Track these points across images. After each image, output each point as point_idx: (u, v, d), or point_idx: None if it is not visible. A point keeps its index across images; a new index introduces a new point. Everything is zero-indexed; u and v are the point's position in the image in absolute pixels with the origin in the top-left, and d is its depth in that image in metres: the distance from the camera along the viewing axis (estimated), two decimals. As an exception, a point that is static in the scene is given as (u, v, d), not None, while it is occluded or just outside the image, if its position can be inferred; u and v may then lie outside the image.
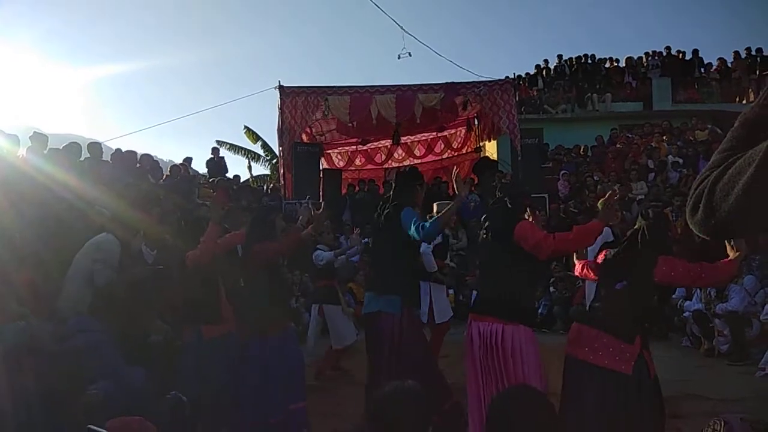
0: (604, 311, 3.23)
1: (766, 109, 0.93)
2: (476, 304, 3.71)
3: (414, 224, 3.68)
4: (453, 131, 14.91)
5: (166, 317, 4.92)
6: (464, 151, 15.05)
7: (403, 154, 15.32)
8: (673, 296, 7.40)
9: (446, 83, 11.94)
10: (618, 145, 13.41)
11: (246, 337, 3.97)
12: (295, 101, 11.82)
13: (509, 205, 3.64)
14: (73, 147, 7.59)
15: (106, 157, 8.74)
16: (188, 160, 11.03)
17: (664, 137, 13.04)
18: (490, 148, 14.18)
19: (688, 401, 4.27)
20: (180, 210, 7.27)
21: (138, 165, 8.63)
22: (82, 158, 7.81)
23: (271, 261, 4.12)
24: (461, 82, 12.10)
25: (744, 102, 15.46)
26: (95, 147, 8.32)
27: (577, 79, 17.00)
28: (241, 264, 4.25)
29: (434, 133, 14.86)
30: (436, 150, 15.34)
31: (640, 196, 10.72)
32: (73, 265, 4.39)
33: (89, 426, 1.46)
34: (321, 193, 12.35)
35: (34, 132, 7.25)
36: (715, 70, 16.68)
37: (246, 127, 18.15)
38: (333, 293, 5.94)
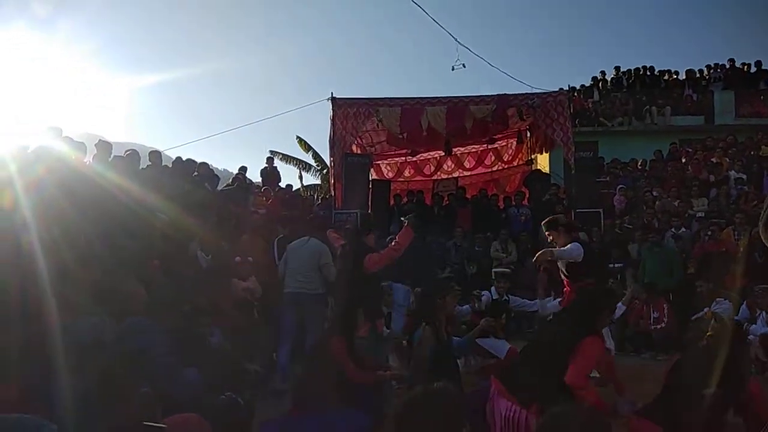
0: (686, 417, 2.99)
1: None
2: (506, 376, 3.39)
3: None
4: (504, 143, 14.72)
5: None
6: (515, 163, 14.83)
7: (453, 165, 15.23)
8: (736, 318, 7.06)
9: (498, 95, 11.81)
10: (678, 160, 12.95)
11: None
12: (347, 112, 11.94)
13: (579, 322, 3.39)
14: (134, 155, 7.91)
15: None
16: (243, 169, 11.31)
17: (729, 152, 12.50)
18: (542, 161, 13.94)
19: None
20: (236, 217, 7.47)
21: (195, 173, 8.91)
22: (143, 166, 8.13)
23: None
24: (514, 94, 11.95)
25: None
26: (156, 155, 8.66)
27: (635, 91, 16.57)
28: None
29: (485, 145, 14.69)
30: (486, 162, 15.17)
31: (700, 213, 10.30)
32: (304, 254, 5.92)
33: (144, 423, 1.49)
34: (369, 204, 12.42)
35: (99, 140, 7.59)
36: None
37: (298, 137, 18.54)
38: None
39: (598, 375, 4.36)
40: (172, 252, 5.29)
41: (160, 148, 9.30)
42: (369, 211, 11.98)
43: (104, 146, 7.56)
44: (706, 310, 7.18)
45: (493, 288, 6.45)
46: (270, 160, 13.24)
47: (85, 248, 4.66)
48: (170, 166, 9.02)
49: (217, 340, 5.04)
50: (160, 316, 3.88)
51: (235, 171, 11.34)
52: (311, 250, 5.93)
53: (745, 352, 3.54)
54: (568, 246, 5.28)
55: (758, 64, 16.24)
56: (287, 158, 18.36)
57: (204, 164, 9.31)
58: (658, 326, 7.47)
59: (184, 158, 9.33)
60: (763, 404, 3.07)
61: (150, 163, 8.52)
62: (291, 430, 3.75)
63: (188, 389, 3.13)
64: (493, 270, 6.95)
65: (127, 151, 7.96)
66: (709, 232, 9.23)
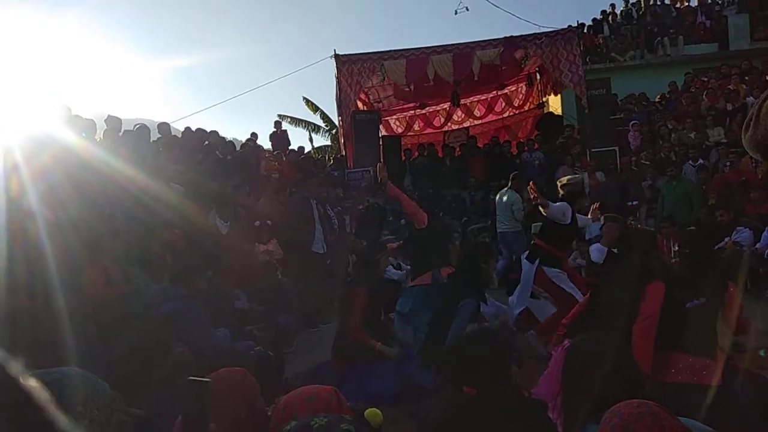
0: (680, 332, 3.05)
1: None
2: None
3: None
4: (513, 88, 14.47)
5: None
6: (526, 108, 14.61)
7: (463, 115, 15.04)
8: (757, 246, 7.01)
9: (505, 37, 11.56)
10: (693, 90, 12.63)
11: None
12: (351, 69, 11.80)
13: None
14: (144, 129, 7.93)
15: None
16: (254, 136, 11.27)
17: (746, 78, 12.14)
18: (554, 103, 13.70)
19: (776, 352, 4.06)
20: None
21: (206, 142, 8.92)
22: (154, 139, 8.15)
23: None
24: (521, 35, 11.68)
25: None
26: (165, 127, 8.66)
27: (646, 22, 16.07)
28: None
29: (494, 92, 14.47)
30: (496, 109, 14.96)
31: (723, 140, 10.06)
32: (501, 202, 8.34)
33: (190, 377, 1.54)
34: (381, 160, 12.38)
35: (109, 115, 7.59)
36: (801, 1, 15.30)
37: (305, 98, 18.35)
38: None
39: None
40: (190, 221, 5.34)
41: (168, 120, 9.29)
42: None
43: (114, 122, 7.57)
44: (726, 239, 7.14)
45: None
46: (278, 124, 13.16)
47: (90, 235, 4.68)
48: (180, 137, 9.03)
49: (243, 303, 5.18)
50: (185, 282, 3.95)
51: (245, 139, 11.32)
52: (507, 199, 8.21)
53: (720, 260, 3.51)
54: (559, 204, 5.19)
55: (774, -17, 15.58)
56: (296, 121, 18.23)
57: (214, 132, 9.30)
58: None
59: (193, 129, 9.32)
60: (732, 309, 3.09)
61: (160, 135, 8.53)
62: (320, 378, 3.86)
63: (220, 348, 3.23)
64: (533, 224, 6.90)
65: (136, 125, 7.97)
66: (728, 162, 9.08)
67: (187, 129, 9.24)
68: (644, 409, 1.36)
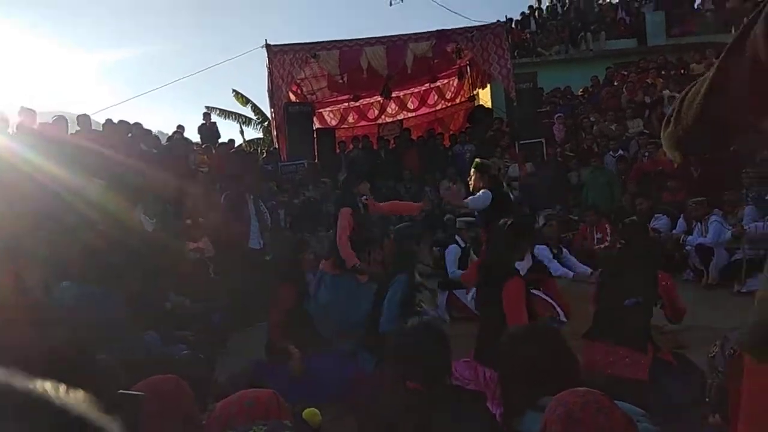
0: (615, 327, 3.20)
1: (744, 35, 0.96)
2: (478, 352, 3.28)
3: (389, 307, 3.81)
4: (446, 81, 14.67)
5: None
6: (458, 100, 14.84)
7: (396, 108, 15.11)
8: (674, 232, 7.43)
9: (437, 30, 11.68)
10: (614, 84, 13.23)
11: None
12: (283, 59, 11.58)
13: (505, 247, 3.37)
14: (62, 120, 7.48)
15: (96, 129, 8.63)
16: (181, 128, 10.86)
17: (662, 72, 12.84)
18: (485, 96, 13.99)
19: (692, 332, 4.34)
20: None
21: (129, 134, 8.51)
22: (72, 131, 7.71)
23: None
24: (452, 29, 11.84)
25: (740, 31, 15.18)
26: (84, 119, 8.19)
27: (570, 18, 16.68)
28: None
29: (427, 85, 14.62)
30: (429, 102, 15.12)
31: (644, 131, 10.58)
32: None
33: (120, 391, 1.44)
34: (316, 154, 12.26)
35: (22, 107, 7.11)
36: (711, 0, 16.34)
37: (234, 90, 17.87)
38: None
39: (565, 320, 4.52)
40: (114, 218, 5.08)
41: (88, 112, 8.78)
42: (315, 161, 11.85)
43: (28, 113, 7.10)
44: (646, 226, 7.52)
45: (458, 237, 6.39)
46: (207, 116, 12.74)
47: (3, 237, 4.38)
48: (101, 129, 8.58)
49: (172, 303, 4.98)
50: (113, 284, 3.75)
51: (170, 132, 10.87)
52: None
53: (654, 250, 3.75)
54: (478, 194, 5.23)
55: (687, -17, 16.55)
56: (225, 113, 17.72)
57: (138, 124, 8.90)
58: (602, 246, 7.79)
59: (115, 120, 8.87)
60: (674, 294, 3.30)
61: (79, 128, 8.07)
62: (260, 376, 3.75)
63: (149, 351, 3.10)
64: (458, 219, 6.87)
65: (53, 117, 7.51)
66: (646, 153, 9.57)
67: (108, 121, 8.79)
68: (589, 398, 1.39)
